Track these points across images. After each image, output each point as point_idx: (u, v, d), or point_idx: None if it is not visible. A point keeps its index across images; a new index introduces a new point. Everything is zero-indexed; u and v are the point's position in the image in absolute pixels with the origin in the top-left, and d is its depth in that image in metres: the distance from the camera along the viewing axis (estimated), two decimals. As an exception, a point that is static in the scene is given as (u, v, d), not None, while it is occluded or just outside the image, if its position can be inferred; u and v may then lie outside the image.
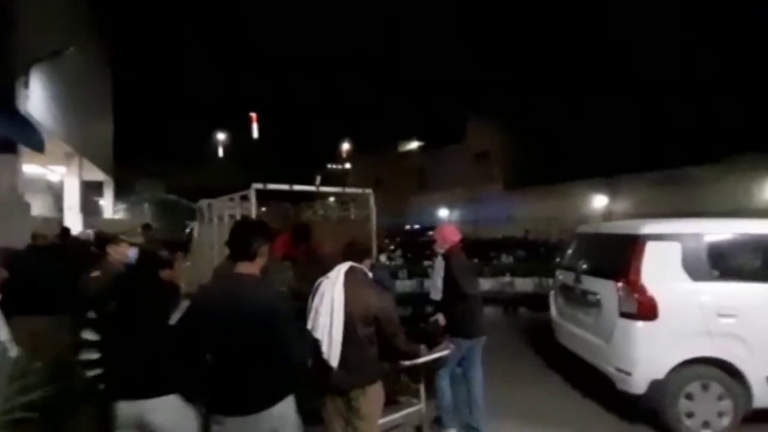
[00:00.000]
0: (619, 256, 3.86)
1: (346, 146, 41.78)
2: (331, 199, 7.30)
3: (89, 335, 2.18)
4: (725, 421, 3.44)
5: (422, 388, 3.47)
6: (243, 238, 2.04)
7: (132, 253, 2.95)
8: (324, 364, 2.35)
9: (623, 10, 22.84)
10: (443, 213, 29.07)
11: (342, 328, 2.36)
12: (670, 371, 3.45)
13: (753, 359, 3.43)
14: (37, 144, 6.73)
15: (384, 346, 2.51)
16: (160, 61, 35.30)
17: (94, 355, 2.17)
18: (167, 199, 21.95)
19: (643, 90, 20.65)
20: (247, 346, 1.89)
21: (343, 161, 42.04)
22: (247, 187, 4.72)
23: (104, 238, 3.02)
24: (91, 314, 2.18)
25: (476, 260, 10.38)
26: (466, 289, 3.42)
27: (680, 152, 16.91)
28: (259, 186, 4.65)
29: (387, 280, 4.31)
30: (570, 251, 5.14)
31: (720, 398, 3.46)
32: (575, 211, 19.65)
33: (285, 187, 4.95)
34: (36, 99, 7.31)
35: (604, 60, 22.47)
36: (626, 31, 22.48)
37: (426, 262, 10.02)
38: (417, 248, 12.81)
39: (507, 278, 9.88)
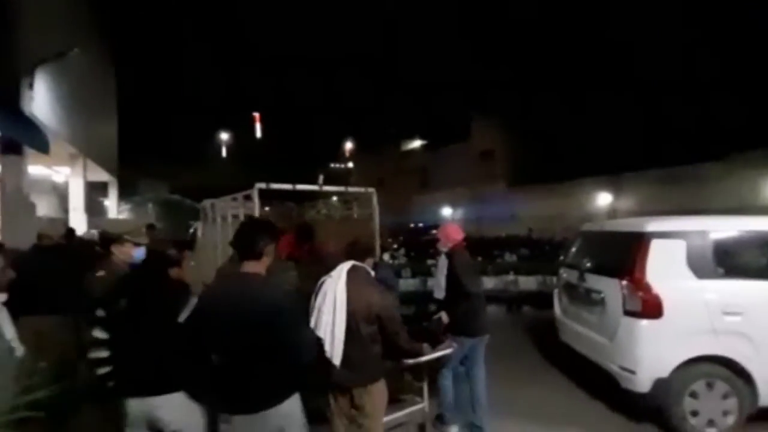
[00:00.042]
0: (623, 254, 3.84)
1: (349, 145, 41.83)
2: (335, 198, 7.31)
3: (99, 333, 2.19)
4: (730, 419, 3.42)
5: (425, 386, 3.47)
6: (249, 238, 2.04)
7: (136, 253, 2.96)
8: (327, 362, 2.35)
9: (624, 9, 22.78)
10: (447, 212, 29.03)
11: (344, 326, 2.37)
12: (674, 369, 3.43)
13: (759, 357, 3.41)
14: (41, 145, 6.77)
15: (387, 344, 2.52)
16: (164, 61, 35.51)
17: (104, 353, 2.19)
18: (171, 199, 22.05)
19: (644, 89, 20.65)
20: (254, 345, 1.89)
21: (346, 160, 42.09)
22: (250, 186, 4.73)
23: (109, 238, 3.03)
24: (100, 312, 2.20)
25: (480, 259, 10.37)
26: (469, 288, 3.42)
27: (681, 151, 16.90)
28: (262, 186, 4.65)
29: (391, 278, 4.31)
30: (574, 249, 5.12)
31: (725, 397, 3.44)
32: (579, 209, 19.59)
33: (288, 186, 4.96)
34: (40, 100, 7.34)
35: (607, 59, 22.45)
36: (627, 31, 22.45)
37: (429, 261, 10.03)
38: (420, 247, 12.83)
39: (510, 277, 9.86)
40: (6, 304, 2.54)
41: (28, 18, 6.94)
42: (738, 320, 3.44)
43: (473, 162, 28.98)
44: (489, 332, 3.61)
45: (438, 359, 3.30)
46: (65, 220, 9.74)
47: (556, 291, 5.33)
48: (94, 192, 13.48)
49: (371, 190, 5.71)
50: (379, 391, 2.49)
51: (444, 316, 3.58)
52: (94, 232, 7.23)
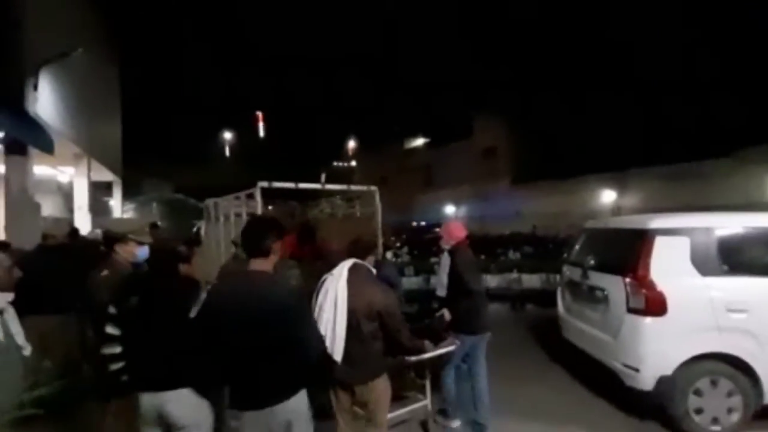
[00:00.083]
0: (627, 251, 3.82)
1: (351, 144, 41.81)
2: (337, 196, 7.32)
3: (111, 330, 2.23)
4: (735, 417, 3.40)
5: (428, 383, 3.48)
6: (257, 235, 2.05)
7: (140, 252, 2.98)
8: (328, 358, 2.37)
9: (625, 9, 22.72)
10: (450, 210, 29.00)
11: (345, 323, 2.39)
12: (678, 367, 3.41)
13: (764, 355, 3.38)
14: (46, 145, 6.82)
15: (389, 341, 2.53)
16: (168, 62, 35.57)
17: (117, 349, 2.22)
18: (175, 199, 22.16)
19: (645, 88, 20.62)
20: (263, 342, 1.91)
21: (349, 159, 42.08)
22: (253, 185, 4.74)
23: (112, 238, 3.04)
24: (112, 309, 2.23)
25: (483, 257, 10.34)
26: (471, 285, 3.42)
27: (681, 151, 16.81)
28: (264, 184, 4.67)
29: (394, 277, 4.32)
30: (577, 247, 5.10)
31: (729, 394, 3.42)
32: (583, 207, 19.54)
33: (290, 185, 4.97)
34: (45, 101, 7.39)
35: (608, 58, 22.41)
36: (628, 31, 22.39)
37: (433, 259, 10.00)
38: (423, 245, 12.80)
39: (514, 275, 9.82)
40: (12, 303, 2.56)
41: (32, 19, 6.97)
42: (743, 317, 3.42)
43: (476, 160, 28.94)
44: (490, 330, 3.61)
45: (440, 357, 3.31)
46: (70, 220, 9.81)
47: (559, 289, 5.32)
48: (99, 192, 13.55)
49: (373, 188, 5.72)
50: (381, 387, 2.50)
51: (446, 314, 3.59)
52: (98, 232, 7.27)
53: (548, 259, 9.84)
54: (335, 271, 2.54)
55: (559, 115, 23.33)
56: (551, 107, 23.77)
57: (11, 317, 2.50)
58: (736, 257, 3.63)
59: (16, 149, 6.84)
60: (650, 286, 3.51)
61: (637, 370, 3.51)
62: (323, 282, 2.55)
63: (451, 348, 3.30)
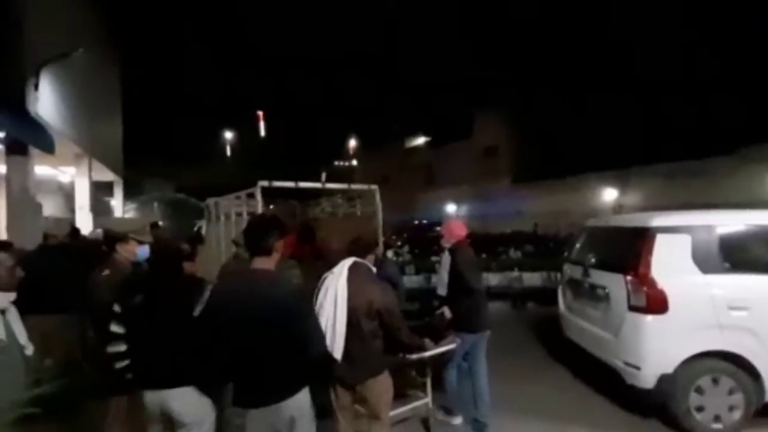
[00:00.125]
0: (628, 250, 3.81)
1: (352, 143, 41.81)
2: (339, 195, 7.31)
3: (116, 328, 2.25)
4: (736, 415, 3.40)
5: (429, 382, 3.48)
6: (260, 234, 2.05)
7: (140, 251, 2.98)
8: (328, 357, 2.37)
9: (625, 9, 22.70)
10: (451, 208, 28.98)
11: (345, 321, 2.39)
12: (679, 365, 3.41)
13: (765, 352, 3.38)
14: (47, 145, 6.83)
15: (389, 339, 2.53)
16: (168, 62, 35.55)
17: (122, 347, 2.24)
18: (176, 198, 22.18)
19: (645, 87, 20.57)
20: (266, 340, 1.92)
21: (349, 158, 42.09)
22: (254, 185, 4.74)
23: (113, 237, 3.05)
24: (116, 308, 2.24)
25: (484, 255, 10.34)
26: (472, 284, 3.43)
27: (682, 149, 16.79)
28: (265, 183, 4.67)
29: (396, 275, 4.33)
30: (578, 245, 5.10)
31: (731, 392, 3.41)
32: (585, 205, 19.50)
33: (290, 184, 4.97)
34: (45, 101, 7.40)
35: (608, 57, 22.34)
36: (628, 31, 22.37)
37: (434, 258, 10.00)
38: (424, 244, 12.80)
39: (515, 273, 9.81)
40: (13, 303, 2.57)
41: (33, 19, 6.98)
42: (744, 315, 3.42)
43: (477, 159, 28.92)
44: (490, 328, 3.61)
45: (441, 355, 3.31)
46: (71, 220, 9.82)
47: (560, 287, 5.32)
48: (100, 191, 13.57)
49: (374, 187, 5.71)
50: (382, 385, 2.51)
51: (447, 312, 3.60)
52: (99, 232, 7.28)
53: (549, 258, 9.83)
54: (335, 269, 2.55)
55: (560, 114, 23.28)
56: (552, 106, 23.71)
57: (14, 317, 2.50)
58: (737, 255, 3.62)
59: (17, 149, 6.86)
60: (651, 284, 3.51)
61: (638, 368, 3.51)
62: (323, 280, 2.56)
63: (451, 346, 3.30)
